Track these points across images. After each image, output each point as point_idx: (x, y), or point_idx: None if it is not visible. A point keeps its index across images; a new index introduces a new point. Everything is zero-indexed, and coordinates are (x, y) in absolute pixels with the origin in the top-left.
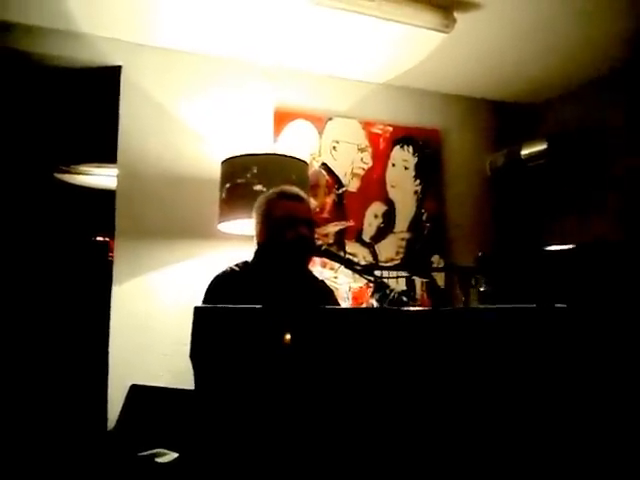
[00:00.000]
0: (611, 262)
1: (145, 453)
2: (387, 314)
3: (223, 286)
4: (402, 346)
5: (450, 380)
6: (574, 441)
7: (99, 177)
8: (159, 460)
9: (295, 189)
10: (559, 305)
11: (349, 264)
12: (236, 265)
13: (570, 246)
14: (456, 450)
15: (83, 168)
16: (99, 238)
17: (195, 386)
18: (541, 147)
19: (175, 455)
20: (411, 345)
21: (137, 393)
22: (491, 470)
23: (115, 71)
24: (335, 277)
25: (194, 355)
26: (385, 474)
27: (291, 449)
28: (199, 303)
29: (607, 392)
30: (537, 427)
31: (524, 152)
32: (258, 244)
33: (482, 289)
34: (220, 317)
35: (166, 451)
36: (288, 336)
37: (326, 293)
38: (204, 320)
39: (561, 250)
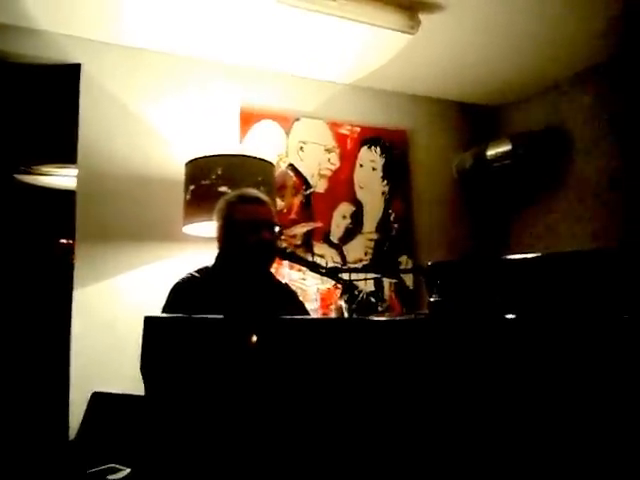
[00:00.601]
0: (574, 273)
1: (97, 469)
2: (348, 324)
3: (183, 294)
4: (367, 356)
5: (411, 391)
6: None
7: (62, 178)
8: (111, 477)
9: (255, 192)
10: (511, 316)
11: (313, 267)
12: (196, 271)
13: (529, 255)
14: (418, 464)
15: (45, 169)
16: (62, 240)
17: (146, 399)
18: (505, 148)
19: (127, 471)
20: (377, 355)
21: (99, 401)
22: None
23: (75, 69)
24: (303, 279)
25: (145, 367)
26: None
27: (250, 464)
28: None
29: (557, 411)
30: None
31: (489, 153)
32: (220, 248)
33: (432, 299)
34: (171, 327)
35: (119, 467)
36: (255, 337)
37: (289, 295)
38: (155, 331)
39: (518, 259)
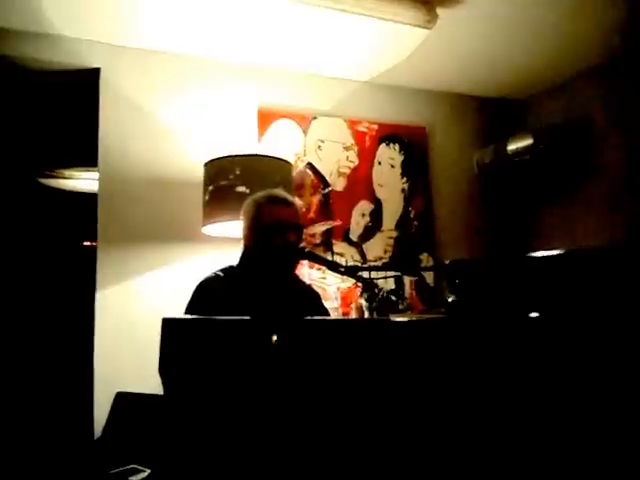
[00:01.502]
0: (597, 270)
1: (118, 470)
2: (370, 325)
3: (207, 293)
4: (388, 357)
5: (433, 391)
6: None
7: (86, 181)
8: (132, 478)
9: (283, 193)
10: (536, 315)
11: (332, 266)
12: (220, 270)
13: (550, 253)
14: (438, 465)
15: (68, 172)
16: (86, 243)
17: (164, 402)
18: (527, 142)
19: (148, 472)
20: (397, 356)
21: (122, 401)
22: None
23: (94, 74)
24: (323, 277)
25: (164, 370)
26: None
27: (269, 466)
28: (184, 307)
29: (582, 410)
30: (516, 444)
31: (510, 148)
32: (245, 247)
33: (450, 299)
34: (189, 329)
35: (140, 467)
36: (274, 337)
37: (311, 297)
38: (173, 332)
39: (539, 257)
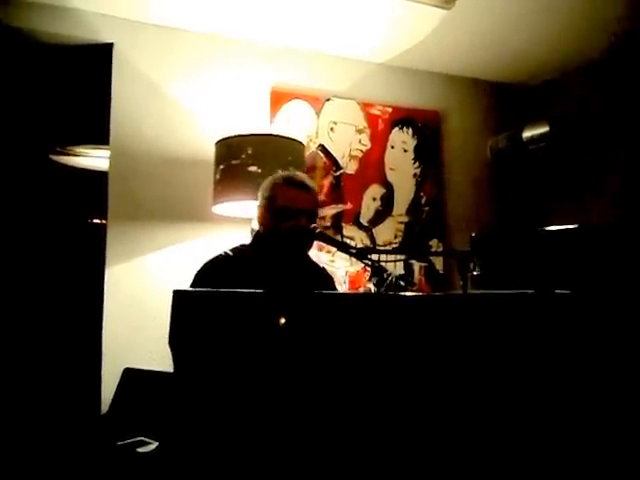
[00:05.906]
0: (615, 244)
1: (126, 442)
2: (383, 299)
3: (212, 271)
4: (397, 332)
5: (445, 368)
6: (572, 435)
7: (97, 159)
8: (140, 450)
9: (303, 176)
10: (560, 291)
11: (344, 247)
12: (231, 250)
13: (571, 226)
14: (450, 441)
15: (80, 149)
16: (96, 220)
17: (174, 373)
18: (543, 130)
19: (156, 444)
20: (406, 331)
21: (130, 377)
22: (490, 462)
23: (107, 49)
24: (332, 261)
25: (174, 342)
26: (378, 465)
27: (281, 441)
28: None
29: (610, 384)
30: (536, 420)
31: (525, 135)
32: (259, 226)
33: (476, 273)
34: (200, 302)
35: (148, 440)
36: (282, 320)
37: (325, 278)
38: (183, 305)
39: (561, 231)
